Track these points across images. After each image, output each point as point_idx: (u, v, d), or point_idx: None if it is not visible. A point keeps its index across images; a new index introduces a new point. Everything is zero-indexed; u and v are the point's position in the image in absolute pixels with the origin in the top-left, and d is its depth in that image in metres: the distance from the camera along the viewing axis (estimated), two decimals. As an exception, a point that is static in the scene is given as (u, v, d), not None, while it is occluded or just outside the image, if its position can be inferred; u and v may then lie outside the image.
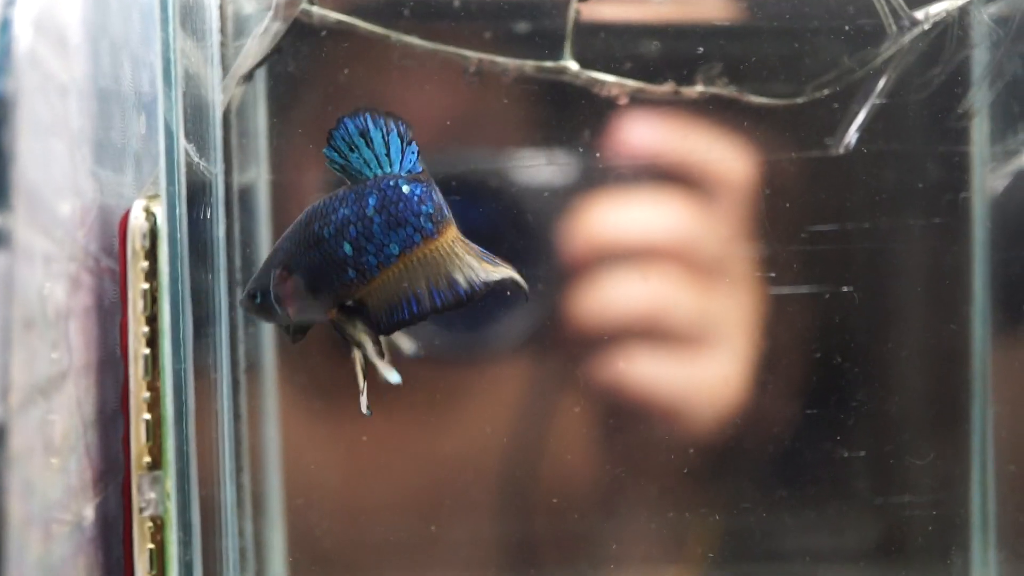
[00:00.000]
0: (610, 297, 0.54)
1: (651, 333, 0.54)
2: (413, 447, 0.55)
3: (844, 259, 0.54)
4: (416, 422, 0.55)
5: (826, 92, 0.52)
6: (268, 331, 0.54)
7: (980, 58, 0.53)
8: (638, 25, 0.52)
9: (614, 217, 0.54)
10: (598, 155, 0.53)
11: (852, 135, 0.53)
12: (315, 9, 0.51)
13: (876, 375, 0.56)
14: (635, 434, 0.55)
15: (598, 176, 0.54)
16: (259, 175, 0.54)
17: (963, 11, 0.52)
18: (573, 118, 0.53)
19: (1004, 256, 0.55)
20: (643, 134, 0.53)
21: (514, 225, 0.53)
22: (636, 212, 0.54)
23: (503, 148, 0.54)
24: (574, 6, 0.51)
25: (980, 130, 0.55)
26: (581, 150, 0.53)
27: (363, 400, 0.40)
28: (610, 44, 0.52)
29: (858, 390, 0.55)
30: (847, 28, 0.52)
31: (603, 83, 0.52)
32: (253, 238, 0.54)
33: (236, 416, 0.51)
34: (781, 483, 0.55)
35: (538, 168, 0.53)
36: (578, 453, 0.55)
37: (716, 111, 0.53)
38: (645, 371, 0.54)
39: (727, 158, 0.53)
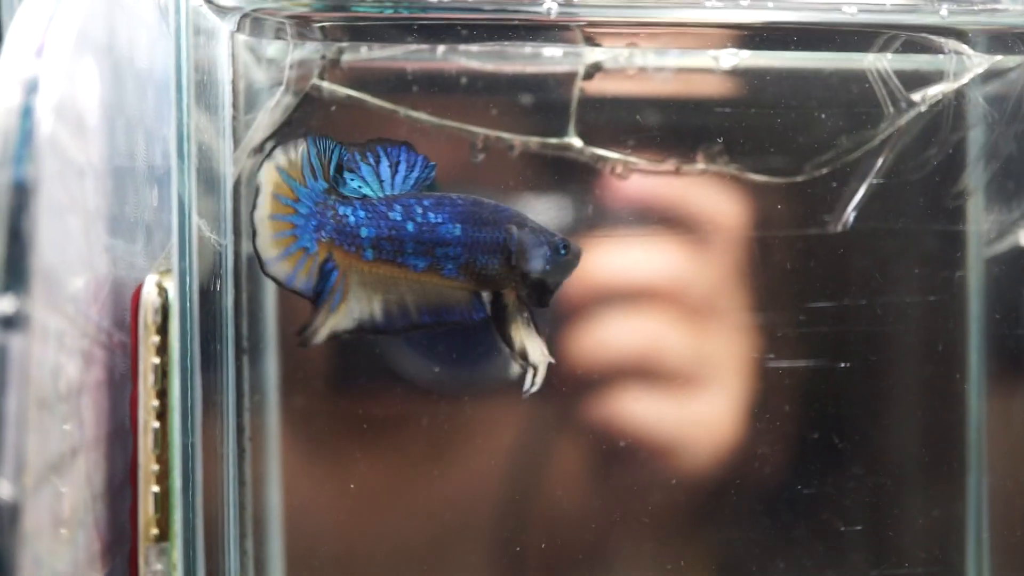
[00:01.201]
0: (605, 338, 0.55)
1: (645, 373, 0.55)
2: (412, 495, 0.56)
3: (841, 336, 0.55)
4: (414, 467, 0.55)
5: (824, 171, 0.53)
6: (272, 397, 0.55)
7: (976, 138, 0.54)
8: (641, 101, 0.53)
9: (609, 259, 0.55)
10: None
11: (850, 213, 0.53)
12: (325, 84, 0.52)
13: (872, 450, 0.56)
14: (629, 474, 0.55)
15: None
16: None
17: (959, 93, 0.53)
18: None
19: (998, 333, 0.56)
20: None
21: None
22: (631, 255, 0.55)
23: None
24: (578, 83, 0.52)
25: (976, 208, 0.56)
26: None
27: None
28: (613, 120, 0.53)
29: (854, 464, 0.55)
30: (846, 108, 0.53)
31: (606, 159, 0.53)
32: (261, 306, 0.55)
33: (241, 483, 0.52)
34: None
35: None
36: (573, 493, 0.56)
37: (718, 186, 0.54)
38: (639, 411, 0.55)
39: (719, 201, 0.54)
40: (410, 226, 0.44)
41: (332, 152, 0.44)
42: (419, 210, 0.44)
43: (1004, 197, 0.56)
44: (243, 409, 0.53)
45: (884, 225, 0.54)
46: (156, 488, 0.40)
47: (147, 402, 0.40)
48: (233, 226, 0.50)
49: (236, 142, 0.51)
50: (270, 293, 0.55)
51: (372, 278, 0.45)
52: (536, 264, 0.45)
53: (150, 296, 0.41)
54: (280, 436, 0.55)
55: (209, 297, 0.46)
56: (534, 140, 0.53)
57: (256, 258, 0.44)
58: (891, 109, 0.53)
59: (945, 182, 0.55)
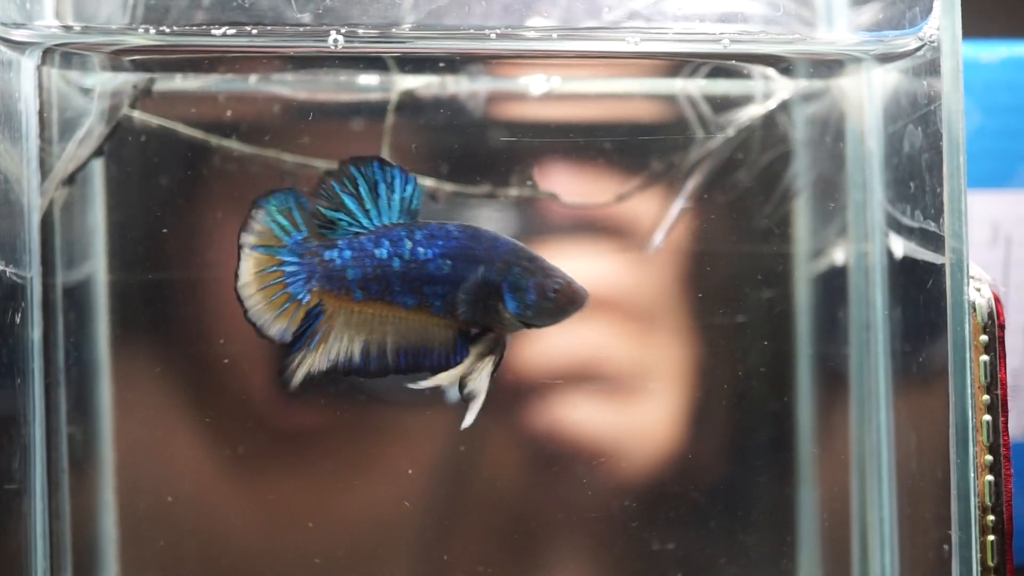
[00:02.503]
0: (545, 346, 0.55)
1: (587, 380, 0.55)
2: (335, 497, 0.56)
3: (658, 357, 0.56)
4: (338, 471, 0.55)
5: (636, 195, 0.54)
6: (102, 425, 0.55)
7: (786, 160, 0.55)
8: (455, 127, 0.54)
9: None
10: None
11: (662, 236, 0.54)
12: (136, 113, 0.52)
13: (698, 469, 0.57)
14: (567, 481, 0.56)
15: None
16: (95, 272, 0.55)
17: (768, 117, 0.54)
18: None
19: (823, 352, 0.57)
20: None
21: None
22: (570, 265, 0.55)
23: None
24: (391, 110, 0.53)
25: (799, 228, 0.57)
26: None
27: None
28: (427, 145, 0.54)
29: (675, 484, 0.56)
30: (656, 133, 0.54)
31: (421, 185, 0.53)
32: (88, 336, 0.54)
33: (55, 516, 0.52)
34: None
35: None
36: (510, 500, 0.56)
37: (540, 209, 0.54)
38: (580, 417, 0.55)
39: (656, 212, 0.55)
40: (396, 263, 0.44)
41: (289, 202, 0.44)
42: (408, 244, 0.44)
43: (823, 217, 0.57)
44: (59, 441, 0.53)
45: (699, 247, 0.55)
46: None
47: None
48: (41, 257, 0.50)
49: (46, 172, 0.51)
50: (101, 322, 0.54)
51: (359, 318, 0.45)
52: (516, 307, 0.44)
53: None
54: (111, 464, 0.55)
55: (5, 331, 0.46)
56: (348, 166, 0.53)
57: (253, 328, 0.44)
58: (701, 133, 0.54)
59: (758, 204, 0.55)
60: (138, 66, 0.52)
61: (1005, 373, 0.47)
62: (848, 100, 0.54)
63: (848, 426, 0.56)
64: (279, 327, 0.44)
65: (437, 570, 0.56)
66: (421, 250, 0.44)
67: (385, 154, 0.53)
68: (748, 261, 0.56)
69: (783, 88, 0.55)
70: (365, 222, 0.44)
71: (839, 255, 0.56)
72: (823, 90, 0.55)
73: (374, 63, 0.52)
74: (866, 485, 0.55)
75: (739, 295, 0.57)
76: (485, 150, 0.54)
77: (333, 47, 0.45)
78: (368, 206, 0.44)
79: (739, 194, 0.55)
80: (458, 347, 0.45)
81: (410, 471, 0.55)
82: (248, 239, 0.44)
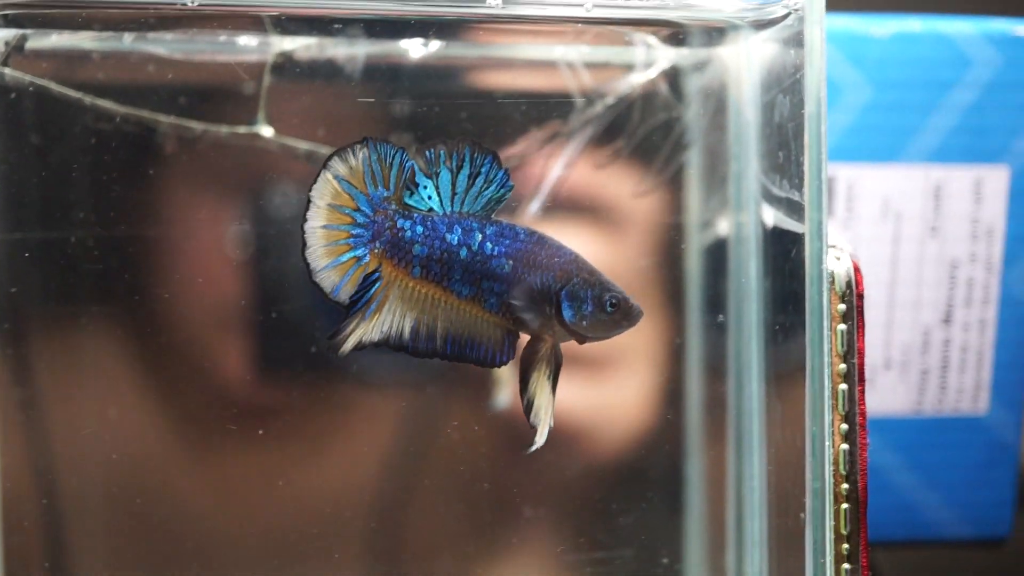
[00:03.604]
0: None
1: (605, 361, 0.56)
2: (302, 472, 0.55)
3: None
4: (302, 448, 0.55)
5: (516, 162, 0.54)
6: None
7: (667, 128, 0.55)
8: (332, 91, 0.54)
9: None
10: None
11: (539, 201, 0.54)
12: (8, 71, 0.51)
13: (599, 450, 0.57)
14: (540, 457, 0.56)
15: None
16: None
17: (650, 85, 0.54)
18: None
19: (710, 321, 0.57)
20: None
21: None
22: None
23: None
24: (268, 72, 0.53)
25: (690, 199, 0.57)
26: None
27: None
28: (304, 109, 0.53)
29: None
30: (537, 100, 0.54)
31: (296, 148, 0.53)
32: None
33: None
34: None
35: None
36: (483, 477, 0.56)
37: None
38: (593, 395, 0.56)
39: (627, 190, 0.55)
40: (463, 252, 0.44)
41: (393, 157, 0.43)
42: (478, 237, 0.44)
43: (710, 188, 0.57)
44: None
45: (574, 213, 0.55)
46: None
47: None
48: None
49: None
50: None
51: (413, 295, 0.44)
52: (572, 316, 0.44)
53: None
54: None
55: None
56: (222, 129, 0.52)
57: (304, 266, 0.43)
58: (581, 100, 0.54)
59: (639, 170, 0.55)
60: (9, 22, 0.51)
61: (863, 342, 0.47)
62: (729, 70, 0.54)
63: (727, 398, 0.56)
64: (332, 279, 0.43)
65: (403, 547, 0.56)
66: (489, 245, 0.44)
67: (261, 116, 0.53)
68: (636, 231, 0.56)
69: (666, 57, 0.54)
70: (446, 205, 0.44)
71: (723, 226, 0.56)
72: (705, 59, 0.55)
73: (254, 23, 0.52)
74: (742, 455, 0.55)
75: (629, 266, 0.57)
76: (362, 114, 0.54)
77: (190, 4, 0.45)
78: (459, 190, 0.44)
79: (623, 162, 0.55)
80: (505, 347, 0.44)
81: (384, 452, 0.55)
82: (339, 167, 0.43)
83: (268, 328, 0.54)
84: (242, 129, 0.53)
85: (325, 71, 0.53)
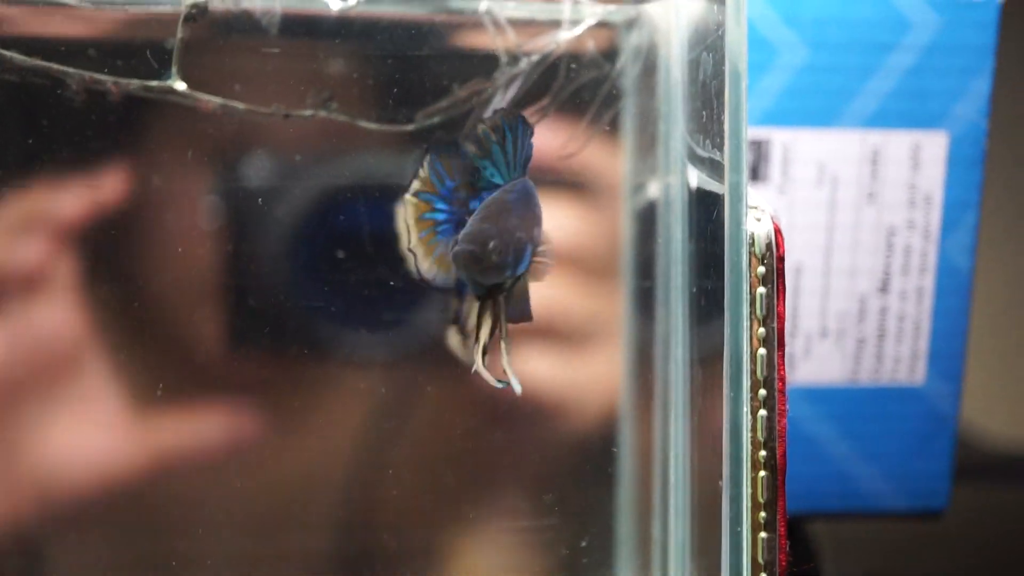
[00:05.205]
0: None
1: (538, 333, 0.55)
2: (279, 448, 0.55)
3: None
4: (275, 423, 0.55)
5: (436, 120, 0.52)
6: None
7: (592, 88, 0.54)
8: (249, 45, 0.52)
9: None
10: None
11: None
12: (-90, 21, 0.50)
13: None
14: (517, 433, 0.55)
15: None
16: None
17: (575, 42, 0.53)
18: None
19: (640, 285, 0.56)
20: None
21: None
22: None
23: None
24: (180, 25, 0.51)
25: (627, 161, 0.56)
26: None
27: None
28: (219, 64, 0.52)
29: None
30: (460, 57, 0.53)
31: (211, 103, 0.51)
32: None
33: None
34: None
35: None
36: (462, 452, 0.56)
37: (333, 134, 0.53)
38: (534, 370, 0.55)
39: (604, 167, 0.53)
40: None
41: (454, 151, 0.47)
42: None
43: (642, 150, 0.56)
44: None
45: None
46: None
47: None
48: None
49: None
50: None
51: None
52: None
53: None
54: None
55: None
56: (135, 83, 0.51)
57: (416, 273, 0.47)
58: (505, 57, 0.52)
59: (566, 130, 0.54)
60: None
61: (783, 306, 0.46)
62: (658, 28, 0.53)
63: (654, 365, 0.55)
64: (435, 272, 0.47)
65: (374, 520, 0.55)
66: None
67: (175, 72, 0.51)
68: (565, 193, 0.55)
69: (593, 13, 0.53)
70: (505, 175, 0.47)
71: (653, 189, 0.55)
72: (634, 16, 0.54)
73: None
74: (667, 423, 0.54)
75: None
76: (282, 69, 0.52)
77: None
78: (509, 158, 0.46)
79: (550, 121, 0.54)
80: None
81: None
82: (414, 185, 0.47)
83: (236, 303, 0.54)
84: (154, 83, 0.51)
85: (240, 25, 0.52)
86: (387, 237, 0.53)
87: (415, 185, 0.47)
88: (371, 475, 0.56)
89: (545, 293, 0.52)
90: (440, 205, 0.47)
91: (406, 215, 0.47)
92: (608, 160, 0.55)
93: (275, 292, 0.53)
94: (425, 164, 0.47)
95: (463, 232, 0.45)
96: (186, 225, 0.53)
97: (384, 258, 0.53)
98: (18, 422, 0.52)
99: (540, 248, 0.47)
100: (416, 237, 0.47)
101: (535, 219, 0.47)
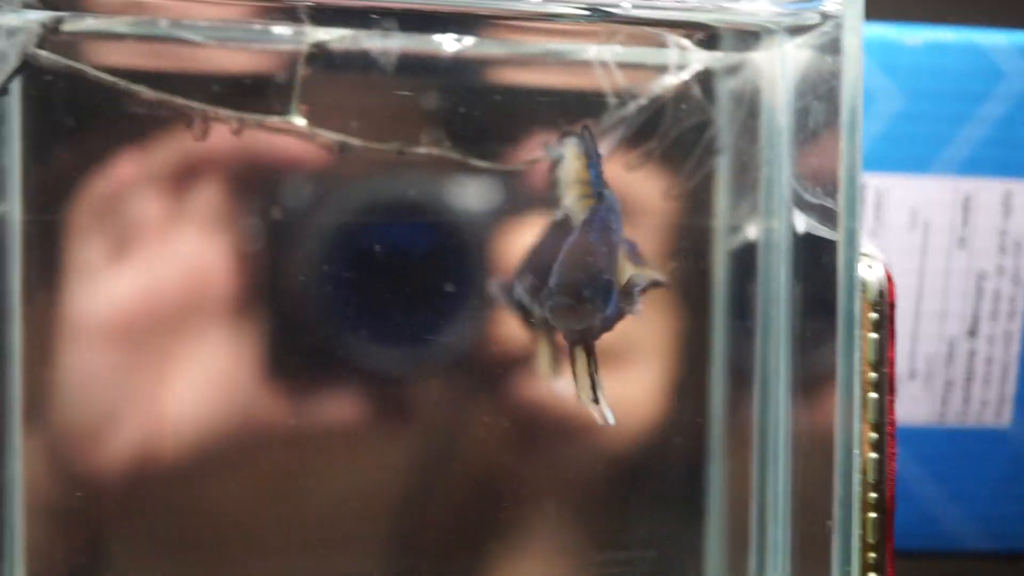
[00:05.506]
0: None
1: (630, 364, 0.56)
2: (324, 471, 0.56)
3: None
4: (330, 445, 0.55)
5: (540, 160, 0.53)
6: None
7: (699, 131, 0.55)
8: (367, 83, 0.54)
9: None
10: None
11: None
12: (44, 53, 0.51)
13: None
14: (553, 450, 0.56)
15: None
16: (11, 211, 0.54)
17: (682, 88, 0.54)
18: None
19: (735, 324, 0.57)
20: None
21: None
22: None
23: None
24: (302, 63, 0.52)
25: (719, 202, 0.57)
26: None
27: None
28: (337, 101, 0.53)
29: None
30: (569, 99, 0.54)
31: (328, 139, 0.53)
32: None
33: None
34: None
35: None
36: (496, 469, 0.56)
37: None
38: (620, 400, 0.55)
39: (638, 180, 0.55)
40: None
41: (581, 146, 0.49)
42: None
43: (739, 191, 0.57)
44: None
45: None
46: None
47: None
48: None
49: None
50: (14, 260, 0.54)
51: None
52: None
53: None
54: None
55: None
56: (254, 118, 0.52)
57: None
58: (614, 100, 0.54)
59: (671, 174, 0.55)
60: (47, 4, 0.51)
61: (894, 352, 0.47)
62: (763, 75, 0.54)
63: (752, 403, 0.56)
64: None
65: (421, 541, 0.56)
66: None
67: (295, 108, 0.53)
68: (666, 233, 0.56)
69: (700, 60, 0.54)
70: (596, 181, 0.48)
71: (752, 230, 0.56)
72: (740, 63, 0.55)
73: (287, 13, 0.52)
74: (766, 461, 0.55)
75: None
76: (397, 107, 0.54)
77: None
78: (597, 169, 0.48)
79: (654, 163, 0.55)
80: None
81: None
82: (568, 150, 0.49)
83: (286, 324, 0.54)
84: (275, 118, 0.53)
85: (359, 63, 0.53)
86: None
87: (570, 149, 0.49)
88: (420, 496, 0.56)
89: (635, 324, 0.53)
90: (592, 170, 0.48)
91: (567, 171, 0.49)
92: (702, 200, 0.56)
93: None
94: (569, 144, 0.48)
95: (554, 282, 0.46)
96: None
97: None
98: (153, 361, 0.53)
99: (633, 287, 0.47)
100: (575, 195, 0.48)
101: (614, 253, 0.47)
